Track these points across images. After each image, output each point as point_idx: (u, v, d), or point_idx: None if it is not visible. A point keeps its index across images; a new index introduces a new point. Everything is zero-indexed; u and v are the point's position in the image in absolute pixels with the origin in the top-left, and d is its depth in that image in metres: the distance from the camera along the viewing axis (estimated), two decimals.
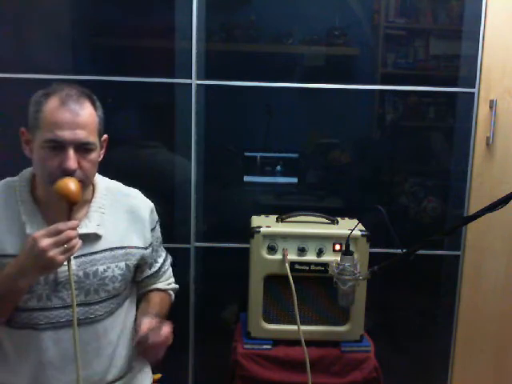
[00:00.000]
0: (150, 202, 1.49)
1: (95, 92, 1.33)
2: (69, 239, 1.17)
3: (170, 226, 2.33)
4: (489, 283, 2.25)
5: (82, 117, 1.23)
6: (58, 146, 1.21)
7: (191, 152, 2.22)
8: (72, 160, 1.21)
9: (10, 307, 1.26)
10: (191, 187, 2.24)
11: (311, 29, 2.42)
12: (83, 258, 1.31)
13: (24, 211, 1.29)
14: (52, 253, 1.15)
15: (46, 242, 1.15)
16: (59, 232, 1.17)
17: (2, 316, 1.27)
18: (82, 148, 1.24)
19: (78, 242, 1.19)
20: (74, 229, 1.19)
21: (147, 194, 1.50)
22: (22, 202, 1.30)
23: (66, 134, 1.21)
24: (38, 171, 1.28)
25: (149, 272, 1.52)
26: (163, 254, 1.59)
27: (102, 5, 2.36)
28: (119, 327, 1.41)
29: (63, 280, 1.28)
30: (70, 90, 1.25)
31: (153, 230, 1.48)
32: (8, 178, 1.36)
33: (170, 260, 1.64)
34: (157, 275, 1.55)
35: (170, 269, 1.63)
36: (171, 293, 1.61)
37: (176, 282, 1.64)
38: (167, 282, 1.60)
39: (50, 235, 1.16)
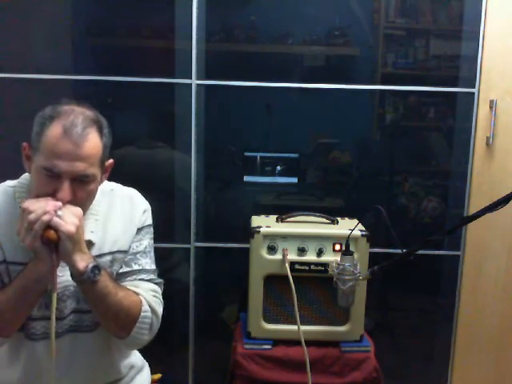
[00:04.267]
0: (146, 203, 1.43)
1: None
2: (27, 218, 1.12)
3: (170, 226, 2.33)
4: (489, 283, 2.25)
5: (83, 149, 1.17)
6: (55, 175, 1.17)
7: (191, 152, 2.22)
8: (66, 192, 1.17)
9: (34, 298, 1.24)
10: (191, 187, 2.24)
11: (311, 29, 2.42)
12: None
13: None
14: (21, 235, 1.14)
15: (17, 226, 1.15)
16: (23, 211, 1.14)
17: (26, 311, 1.25)
18: (79, 179, 1.19)
19: (33, 219, 1.12)
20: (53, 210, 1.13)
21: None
22: (20, 209, 1.25)
23: (64, 166, 1.16)
24: (32, 189, 1.24)
25: (120, 270, 1.37)
26: (146, 266, 1.39)
27: (102, 5, 2.36)
28: (109, 338, 1.37)
29: (59, 292, 1.26)
30: (76, 117, 1.19)
31: (139, 230, 1.39)
32: (7, 182, 1.34)
33: (153, 285, 1.39)
34: (127, 275, 1.36)
35: (152, 293, 1.37)
36: (143, 300, 1.32)
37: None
38: (144, 290, 1.35)
39: (20, 217, 1.15)
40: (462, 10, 2.34)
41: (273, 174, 2.46)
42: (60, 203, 1.16)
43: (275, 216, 1.96)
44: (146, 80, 2.18)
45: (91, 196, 1.26)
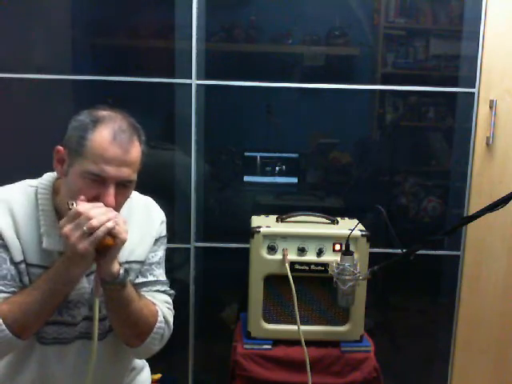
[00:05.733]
0: (163, 213, 1.44)
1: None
2: (87, 223, 1.10)
3: (170, 226, 2.33)
4: (489, 283, 2.25)
5: (131, 155, 1.17)
6: (100, 180, 1.15)
7: (191, 152, 2.22)
8: (112, 197, 1.16)
9: (59, 301, 1.22)
10: (191, 187, 2.24)
11: (311, 29, 2.42)
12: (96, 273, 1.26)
13: (43, 221, 1.24)
14: (73, 238, 1.12)
15: (67, 228, 1.12)
16: (79, 215, 1.12)
17: (49, 314, 1.23)
18: (123, 184, 1.19)
19: (97, 224, 1.10)
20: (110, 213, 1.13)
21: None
22: (42, 210, 1.24)
23: (112, 171, 1.15)
24: (71, 193, 1.19)
25: (136, 280, 1.37)
26: (161, 277, 1.41)
27: (102, 5, 2.36)
28: (118, 346, 1.37)
29: (74, 298, 1.26)
30: (122, 122, 1.19)
31: (156, 241, 1.40)
32: (27, 182, 1.30)
33: (167, 296, 1.40)
34: (143, 286, 1.37)
35: (166, 304, 1.38)
36: (159, 311, 1.33)
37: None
38: (159, 301, 1.37)
39: (70, 220, 1.12)
40: (462, 10, 2.34)
41: (273, 174, 2.46)
42: (115, 211, 1.16)
43: (275, 216, 1.96)
44: (146, 80, 2.18)
45: (126, 201, 1.26)
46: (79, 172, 1.16)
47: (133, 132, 1.20)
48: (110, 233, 1.13)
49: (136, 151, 1.20)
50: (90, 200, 1.16)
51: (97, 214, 1.12)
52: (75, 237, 1.11)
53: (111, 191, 1.16)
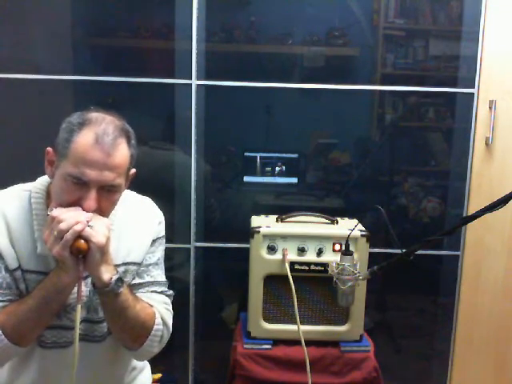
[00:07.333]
0: (160, 214, 1.42)
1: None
2: (57, 227, 1.10)
3: (171, 226, 2.34)
4: (488, 283, 2.26)
5: (113, 158, 1.15)
6: (82, 183, 1.14)
7: (191, 152, 2.22)
8: (92, 201, 1.14)
9: (55, 309, 1.23)
10: (191, 187, 2.25)
11: (311, 29, 2.42)
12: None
13: (37, 226, 1.23)
14: (49, 243, 1.12)
15: (45, 234, 1.13)
16: (52, 220, 1.12)
17: (46, 321, 1.23)
18: (106, 189, 1.17)
19: (65, 228, 1.10)
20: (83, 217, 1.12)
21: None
22: (36, 215, 1.24)
23: (93, 175, 1.13)
24: (55, 195, 1.20)
25: (133, 281, 1.35)
26: (158, 278, 1.39)
27: (102, 5, 2.36)
28: (118, 348, 1.37)
29: (72, 302, 1.26)
30: (107, 126, 1.16)
31: (154, 241, 1.38)
32: (20, 186, 1.30)
33: (165, 297, 1.39)
34: (139, 287, 1.36)
35: (165, 305, 1.37)
36: (156, 313, 1.32)
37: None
38: (156, 303, 1.35)
39: (48, 225, 1.13)
40: (462, 11, 2.34)
41: (273, 174, 2.46)
42: (91, 213, 1.14)
43: (275, 216, 1.96)
44: (146, 80, 2.18)
45: (114, 206, 1.24)
46: (62, 174, 1.15)
47: (119, 135, 1.18)
48: (82, 236, 1.12)
49: (121, 155, 1.17)
50: (71, 203, 1.15)
51: (67, 217, 1.11)
52: (50, 242, 1.12)
53: (91, 195, 1.14)
